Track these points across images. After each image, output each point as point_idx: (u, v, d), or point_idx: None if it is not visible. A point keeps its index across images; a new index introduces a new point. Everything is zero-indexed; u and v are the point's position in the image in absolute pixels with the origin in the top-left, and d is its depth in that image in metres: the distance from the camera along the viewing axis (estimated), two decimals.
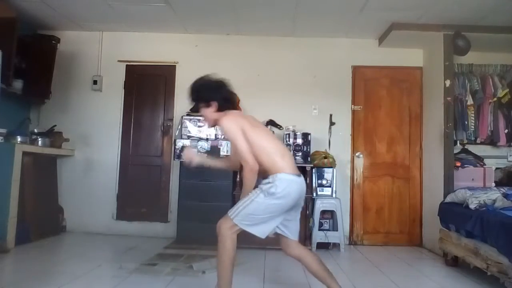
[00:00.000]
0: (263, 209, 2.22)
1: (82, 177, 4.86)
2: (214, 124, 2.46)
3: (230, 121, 2.33)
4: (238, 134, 2.27)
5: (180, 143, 4.28)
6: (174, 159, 4.58)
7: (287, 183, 2.25)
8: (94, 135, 4.88)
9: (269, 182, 2.24)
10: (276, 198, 2.21)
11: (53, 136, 4.63)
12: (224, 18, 4.45)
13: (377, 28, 4.58)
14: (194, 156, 2.57)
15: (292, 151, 4.43)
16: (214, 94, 2.40)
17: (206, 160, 2.63)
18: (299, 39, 4.91)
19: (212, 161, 2.67)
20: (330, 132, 4.84)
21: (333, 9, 4.10)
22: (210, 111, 2.41)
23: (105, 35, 5.00)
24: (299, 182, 2.32)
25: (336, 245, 4.36)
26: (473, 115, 4.38)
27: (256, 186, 2.29)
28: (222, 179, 4.26)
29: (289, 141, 4.46)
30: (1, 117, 4.01)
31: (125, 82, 4.98)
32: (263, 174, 2.32)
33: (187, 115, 4.48)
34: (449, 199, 3.76)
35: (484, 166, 4.25)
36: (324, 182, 4.48)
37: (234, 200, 4.25)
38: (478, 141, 4.42)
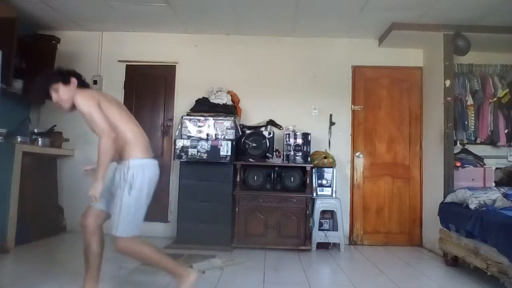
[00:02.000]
0: (136, 206, 2.21)
1: (82, 177, 4.83)
2: (70, 103, 2.31)
3: (86, 94, 2.28)
4: (94, 107, 2.22)
5: (180, 143, 4.28)
6: (174, 159, 4.58)
7: (142, 169, 2.23)
8: (94, 135, 4.81)
9: (125, 174, 2.20)
10: (140, 189, 2.20)
11: (53, 136, 4.63)
12: (224, 18, 4.45)
13: (377, 28, 4.58)
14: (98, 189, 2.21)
15: (292, 151, 4.43)
16: (68, 73, 2.35)
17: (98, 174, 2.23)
18: (299, 39, 4.91)
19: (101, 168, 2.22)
20: (330, 132, 4.84)
21: (333, 9, 4.09)
22: (70, 89, 2.30)
23: (105, 35, 5.00)
24: (155, 164, 2.33)
25: (336, 245, 4.36)
26: (473, 115, 4.38)
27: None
28: (222, 179, 4.26)
29: (289, 141, 4.45)
30: (1, 117, 4.00)
31: (125, 82, 4.98)
32: (119, 152, 2.29)
33: (187, 115, 4.48)
34: (449, 199, 3.76)
35: (484, 166, 4.25)
36: (324, 182, 4.48)
37: (234, 200, 4.26)
38: (478, 141, 4.42)
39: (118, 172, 2.27)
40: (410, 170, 4.81)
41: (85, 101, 2.24)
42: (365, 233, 4.75)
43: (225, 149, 4.23)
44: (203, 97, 4.61)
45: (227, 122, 4.34)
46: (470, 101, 4.37)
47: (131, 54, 4.98)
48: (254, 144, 4.41)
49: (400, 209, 4.76)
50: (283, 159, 4.45)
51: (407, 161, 4.83)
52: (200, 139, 4.30)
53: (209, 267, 3.36)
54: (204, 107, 4.48)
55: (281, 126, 4.70)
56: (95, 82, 4.89)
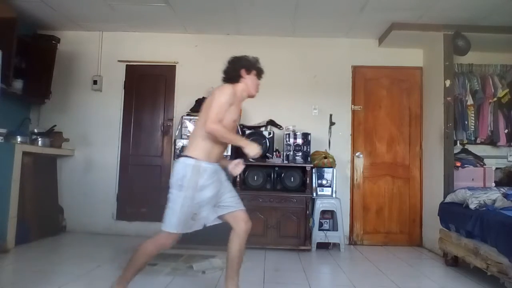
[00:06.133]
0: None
1: (82, 177, 4.86)
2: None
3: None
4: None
5: (180, 143, 4.28)
6: (174, 159, 4.58)
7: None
8: (94, 135, 4.88)
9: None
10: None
11: (53, 136, 4.63)
12: (224, 18, 4.45)
13: (377, 28, 4.58)
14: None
15: (292, 151, 4.43)
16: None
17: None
18: (299, 39, 4.91)
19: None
20: (330, 132, 4.84)
21: (333, 9, 4.10)
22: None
23: (105, 35, 5.00)
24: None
25: (336, 245, 4.36)
26: (473, 115, 4.38)
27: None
28: None
29: (289, 141, 4.45)
30: (1, 117, 4.01)
31: (125, 82, 4.98)
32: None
33: (187, 115, 4.48)
34: (449, 199, 3.76)
35: (484, 166, 4.25)
36: (324, 182, 4.49)
37: None
38: (478, 141, 4.42)
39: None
40: (410, 170, 4.81)
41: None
42: (365, 233, 4.75)
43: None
44: (203, 97, 4.60)
45: None
46: (470, 101, 4.37)
47: (131, 54, 4.98)
48: None
49: (400, 209, 4.76)
50: (283, 159, 4.45)
51: (407, 161, 4.83)
52: None
53: (209, 267, 3.36)
54: None
55: (281, 126, 4.70)
56: (95, 82, 4.90)
